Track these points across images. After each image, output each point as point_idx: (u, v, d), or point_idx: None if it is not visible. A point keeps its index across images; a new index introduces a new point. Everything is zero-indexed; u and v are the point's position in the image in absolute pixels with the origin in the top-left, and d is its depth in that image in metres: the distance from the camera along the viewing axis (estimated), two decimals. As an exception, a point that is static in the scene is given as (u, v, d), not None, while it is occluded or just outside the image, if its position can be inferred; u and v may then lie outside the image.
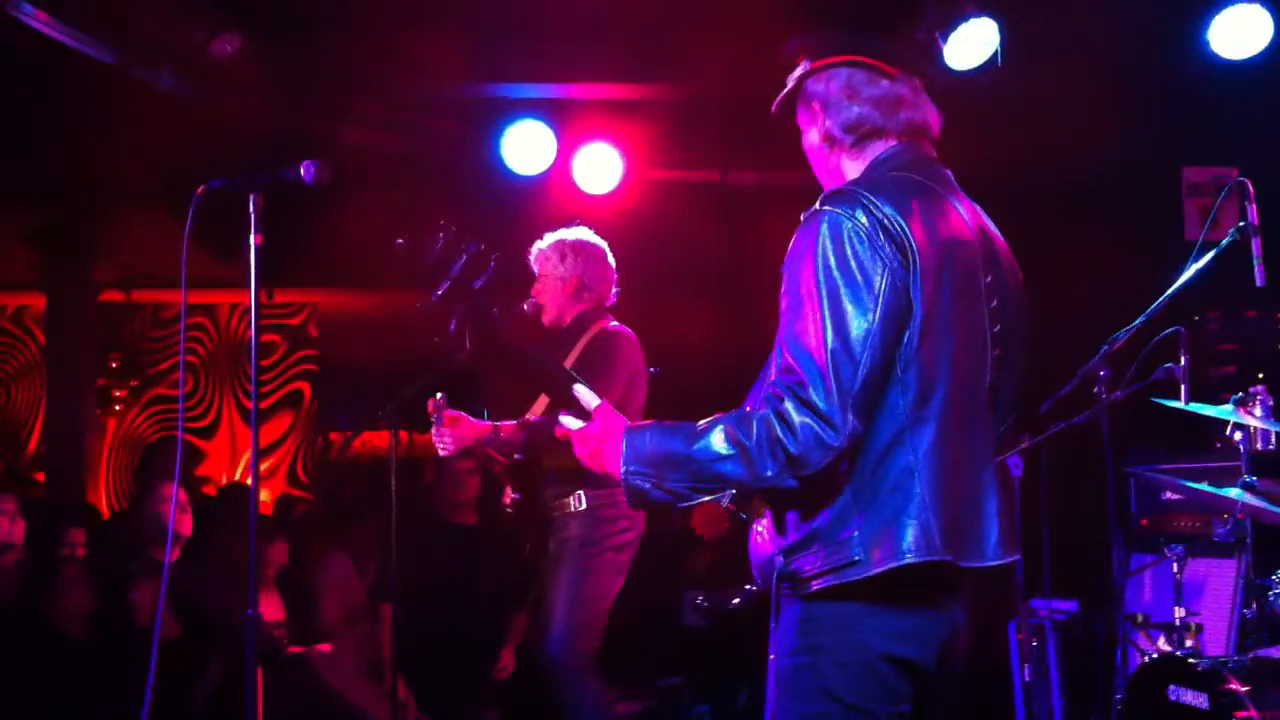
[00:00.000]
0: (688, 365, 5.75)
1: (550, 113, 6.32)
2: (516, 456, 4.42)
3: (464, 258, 4.21)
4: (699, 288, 6.90)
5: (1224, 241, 3.46)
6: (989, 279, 2.27)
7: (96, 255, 8.98)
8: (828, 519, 2.15)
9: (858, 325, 2.08)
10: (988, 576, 2.24)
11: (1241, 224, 3.42)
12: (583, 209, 5.30)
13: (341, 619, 5.86)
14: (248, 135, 5.79)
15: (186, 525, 5.32)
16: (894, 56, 2.37)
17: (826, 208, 2.17)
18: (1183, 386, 3.60)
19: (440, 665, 5.32)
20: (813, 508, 2.16)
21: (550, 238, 4.58)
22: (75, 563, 5.30)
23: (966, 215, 2.30)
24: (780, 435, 2.06)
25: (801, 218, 2.21)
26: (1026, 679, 4.67)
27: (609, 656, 4.39)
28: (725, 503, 2.33)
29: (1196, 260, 3.51)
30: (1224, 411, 3.69)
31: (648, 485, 2.18)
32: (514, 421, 4.29)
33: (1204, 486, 3.82)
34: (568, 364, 4.31)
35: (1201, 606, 4.60)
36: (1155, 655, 4.10)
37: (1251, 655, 3.68)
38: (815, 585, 2.16)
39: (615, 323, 4.50)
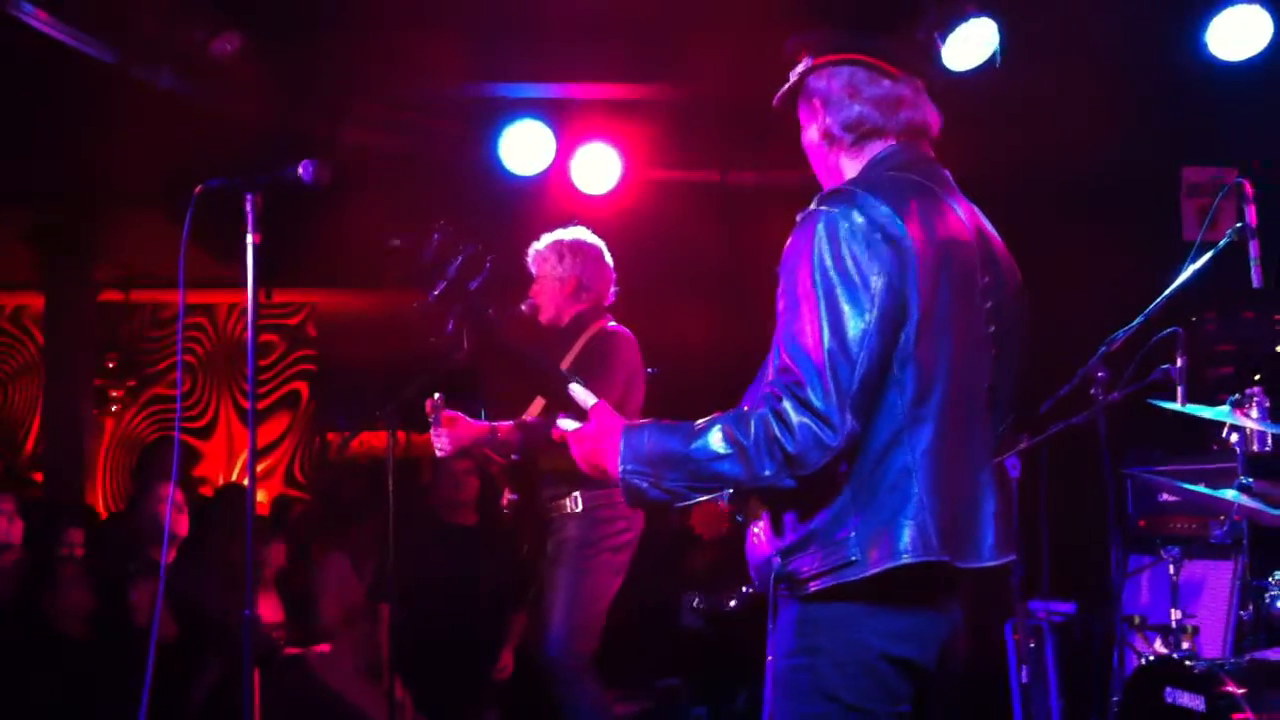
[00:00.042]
0: (687, 365, 5.74)
1: (549, 113, 6.32)
2: (514, 457, 4.42)
3: (460, 258, 4.22)
4: (698, 288, 6.89)
5: (1221, 243, 3.46)
6: (986, 279, 2.27)
7: (96, 255, 8.96)
8: (825, 519, 2.15)
9: (854, 325, 2.08)
10: (984, 577, 2.23)
11: (1239, 225, 3.42)
12: (582, 209, 5.31)
13: (340, 619, 5.86)
14: (247, 135, 5.80)
15: (183, 526, 5.32)
16: (896, 56, 2.38)
17: (823, 208, 2.17)
18: (1180, 388, 3.59)
19: (438, 666, 5.32)
20: (810, 508, 2.16)
21: (548, 238, 4.57)
22: (73, 563, 5.30)
23: (964, 215, 2.30)
24: (778, 435, 2.06)
25: (798, 218, 2.21)
26: (1024, 680, 4.66)
27: (607, 657, 4.39)
28: (723, 502, 2.33)
29: (1194, 261, 3.51)
30: (1221, 413, 3.68)
31: (645, 484, 2.18)
32: (511, 422, 4.29)
33: (1200, 488, 3.82)
34: (566, 364, 4.31)
35: (1198, 608, 4.59)
36: (1152, 657, 4.09)
37: (1248, 657, 3.68)
38: (813, 586, 2.16)
39: (613, 323, 4.50)
